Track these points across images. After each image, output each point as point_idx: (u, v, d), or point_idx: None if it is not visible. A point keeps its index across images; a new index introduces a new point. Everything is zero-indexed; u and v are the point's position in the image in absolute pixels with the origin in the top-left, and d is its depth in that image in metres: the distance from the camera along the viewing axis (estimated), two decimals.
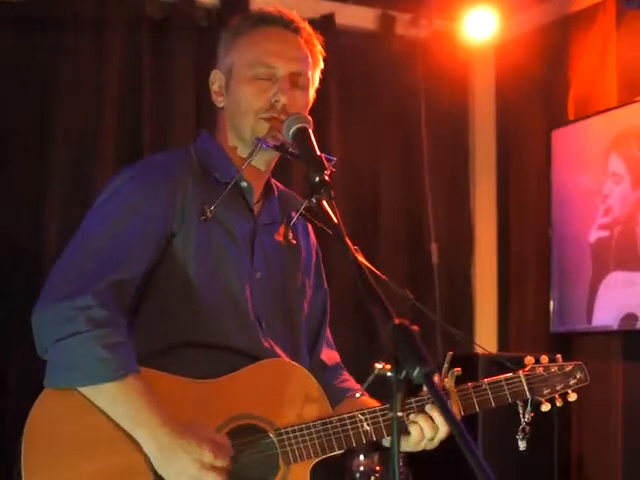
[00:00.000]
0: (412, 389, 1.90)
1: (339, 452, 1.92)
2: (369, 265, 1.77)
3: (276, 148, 1.91)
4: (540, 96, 4.15)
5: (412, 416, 1.93)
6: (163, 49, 3.76)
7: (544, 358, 2.09)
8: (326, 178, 1.67)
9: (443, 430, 1.93)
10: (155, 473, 1.79)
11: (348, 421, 1.92)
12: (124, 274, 1.86)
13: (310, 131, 1.82)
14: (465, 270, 4.32)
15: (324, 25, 3.79)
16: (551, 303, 3.95)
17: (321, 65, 2.06)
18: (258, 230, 2.03)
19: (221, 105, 2.04)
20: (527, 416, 2.03)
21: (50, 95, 3.58)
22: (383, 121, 4.15)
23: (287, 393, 1.92)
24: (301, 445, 1.88)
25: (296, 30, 2.02)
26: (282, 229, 2.08)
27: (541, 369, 2.06)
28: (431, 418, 1.93)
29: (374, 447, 2.00)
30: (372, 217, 4.11)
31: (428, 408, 1.93)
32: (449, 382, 1.99)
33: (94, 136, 3.61)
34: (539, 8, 4.15)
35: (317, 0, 3.99)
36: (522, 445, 2.02)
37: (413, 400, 1.95)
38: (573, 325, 3.88)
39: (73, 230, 1.94)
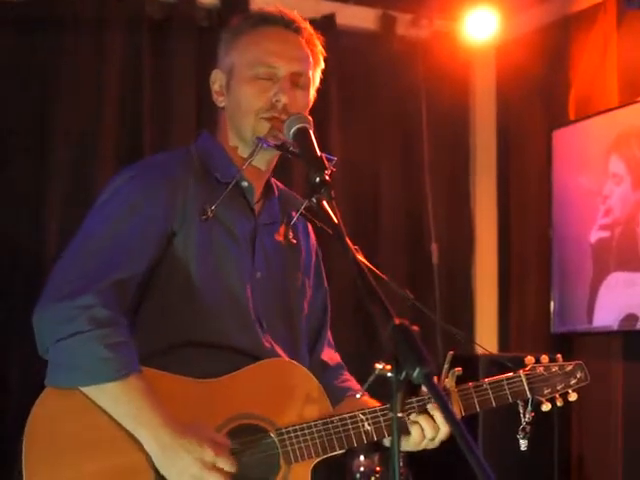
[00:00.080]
0: (413, 389, 1.90)
1: (340, 452, 1.92)
2: (369, 265, 1.77)
3: (277, 147, 1.91)
4: (541, 96, 4.15)
5: (413, 416, 1.93)
6: (163, 49, 3.76)
7: (544, 358, 2.09)
8: (326, 178, 1.67)
9: (444, 430, 1.93)
10: (157, 472, 1.79)
11: (349, 421, 1.92)
12: (125, 274, 1.86)
13: (310, 131, 1.82)
14: (465, 270, 4.32)
15: (325, 25, 3.79)
16: (552, 303, 3.95)
17: (322, 65, 2.06)
18: (259, 230, 2.03)
19: (222, 105, 2.04)
20: (528, 416, 2.03)
21: (50, 95, 3.58)
22: (384, 121, 4.15)
23: (288, 393, 1.92)
24: (302, 445, 1.88)
25: (297, 30, 2.02)
26: (282, 229, 2.08)
27: (541, 369, 2.06)
28: (432, 418, 1.93)
29: (374, 447, 2.00)
30: (372, 217, 4.11)
31: (430, 408, 1.93)
32: (450, 382, 1.99)
33: (94, 136, 3.61)
34: (540, 8, 4.15)
35: (318, 0, 3.99)
36: (523, 445, 2.02)
37: (414, 400, 1.95)
38: (574, 325, 3.88)
39: (73, 230, 1.94)
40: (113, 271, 1.84)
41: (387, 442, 1.96)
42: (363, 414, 1.93)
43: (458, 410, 1.98)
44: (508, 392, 2.03)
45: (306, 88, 2.01)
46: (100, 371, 1.78)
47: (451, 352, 1.98)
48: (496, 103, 4.39)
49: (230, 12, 3.55)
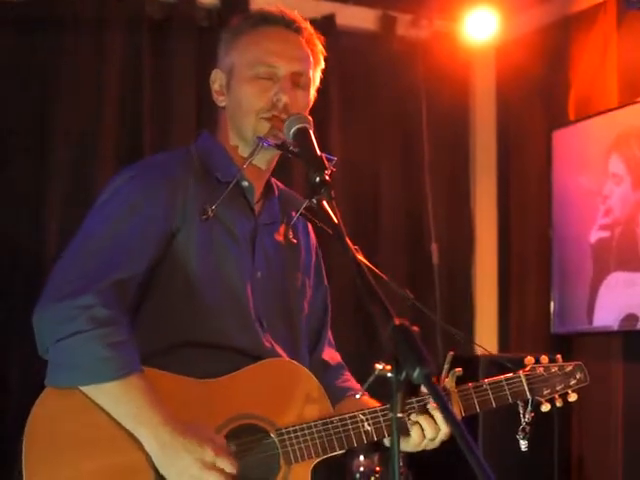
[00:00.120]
0: (413, 389, 1.90)
1: (340, 452, 1.92)
2: (369, 265, 1.77)
3: (277, 147, 1.92)
4: (541, 97, 4.15)
5: (413, 416, 1.93)
6: (163, 49, 3.75)
7: (544, 358, 2.09)
8: (326, 178, 1.67)
9: (444, 430, 1.93)
10: (156, 472, 1.79)
11: (349, 421, 1.92)
12: (125, 273, 1.86)
13: (311, 131, 1.82)
14: (465, 270, 4.32)
15: (325, 26, 3.79)
16: (552, 303, 3.95)
17: (322, 65, 2.07)
18: (259, 229, 2.03)
19: (222, 105, 2.05)
20: (527, 416, 2.03)
21: (50, 95, 3.58)
22: (384, 121, 4.15)
23: (288, 393, 1.92)
24: (302, 445, 1.88)
25: (297, 30, 2.02)
26: (282, 229, 2.08)
27: (541, 369, 2.07)
28: (433, 418, 1.93)
29: (374, 447, 2.00)
30: (372, 217, 4.11)
31: (430, 408, 1.93)
32: (450, 382, 1.99)
33: (94, 136, 3.61)
34: (540, 9, 4.15)
35: (318, 1, 3.98)
36: (523, 445, 2.02)
37: (414, 400, 1.95)
38: (574, 326, 3.88)
39: (73, 230, 1.94)
40: (113, 271, 1.84)
41: (387, 442, 1.96)
42: (363, 414, 1.93)
43: (458, 411, 1.98)
44: (508, 393, 2.03)
45: (306, 88, 2.01)
46: (100, 370, 1.78)
47: (451, 352, 1.98)
48: (496, 103, 4.39)
49: (230, 12, 3.54)
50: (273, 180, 2.12)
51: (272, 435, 1.88)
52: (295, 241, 2.09)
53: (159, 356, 1.88)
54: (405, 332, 1.33)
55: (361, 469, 3.30)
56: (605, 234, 3.76)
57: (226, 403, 1.88)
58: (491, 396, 2.02)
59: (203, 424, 1.83)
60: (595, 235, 3.80)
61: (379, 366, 1.34)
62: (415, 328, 1.36)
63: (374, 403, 1.98)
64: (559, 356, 2.11)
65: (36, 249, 3.46)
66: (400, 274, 4.04)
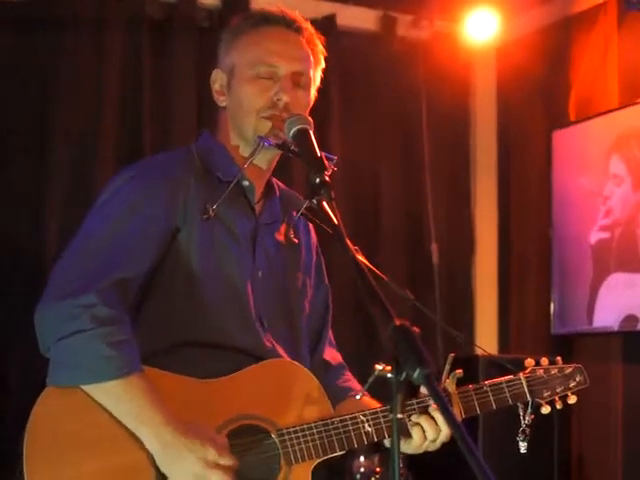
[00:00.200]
0: (413, 390, 1.90)
1: (340, 453, 1.91)
2: (369, 265, 1.77)
3: (278, 146, 1.92)
4: (541, 97, 4.15)
5: (414, 417, 1.93)
6: (163, 50, 3.75)
7: (544, 360, 2.09)
8: (326, 179, 1.67)
9: (445, 431, 1.93)
10: (158, 471, 1.79)
11: (349, 422, 1.92)
12: (126, 273, 1.86)
13: (311, 132, 1.82)
14: (465, 270, 4.32)
15: (325, 26, 3.79)
16: (552, 304, 3.95)
17: (322, 64, 2.07)
18: (259, 229, 2.03)
19: (223, 104, 2.05)
20: (527, 418, 2.03)
21: (50, 95, 3.58)
22: (384, 122, 4.15)
23: (289, 393, 1.92)
24: (303, 446, 1.88)
25: (298, 30, 2.02)
26: (283, 228, 2.09)
27: (541, 371, 2.07)
28: (433, 419, 1.93)
29: (375, 448, 2.00)
30: (372, 217, 4.11)
31: (431, 409, 1.93)
32: (450, 384, 1.98)
33: (94, 136, 3.61)
34: (540, 9, 4.15)
35: (318, 1, 3.98)
36: (522, 447, 2.02)
37: (414, 401, 1.95)
38: (574, 326, 3.88)
39: (73, 230, 1.94)
40: (114, 271, 1.84)
41: (388, 443, 1.96)
42: (364, 415, 1.93)
43: (458, 412, 1.98)
44: (508, 395, 2.03)
45: (307, 88, 2.01)
46: (102, 369, 1.78)
47: (452, 354, 1.98)
48: (496, 104, 4.39)
49: (231, 12, 3.54)
50: (274, 180, 2.12)
51: (273, 435, 1.88)
52: (296, 241, 2.10)
53: (160, 356, 1.88)
54: (405, 333, 1.33)
55: (361, 470, 3.30)
56: (605, 235, 3.75)
57: (227, 403, 1.88)
58: (491, 398, 2.02)
59: (204, 424, 1.83)
60: (595, 236, 3.80)
61: (379, 367, 1.34)
62: (415, 329, 1.36)
63: (375, 404, 1.98)
64: (559, 358, 2.11)
65: (36, 249, 3.45)
66: (400, 274, 4.04)
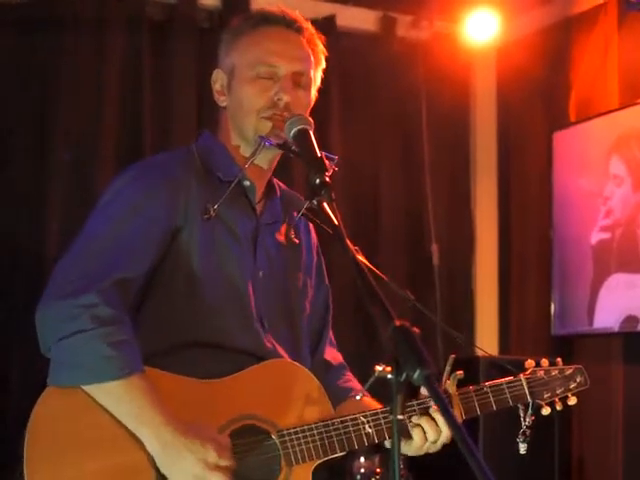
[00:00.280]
0: (414, 391, 1.90)
1: (341, 454, 1.91)
2: (370, 266, 1.77)
3: (279, 146, 1.92)
4: (541, 98, 4.15)
5: (415, 418, 1.93)
6: (164, 50, 3.75)
7: (544, 361, 2.09)
8: (327, 180, 1.67)
9: (446, 433, 1.92)
10: (158, 472, 1.78)
11: (350, 423, 1.92)
12: (127, 273, 1.86)
13: (311, 133, 1.82)
14: (466, 271, 4.32)
15: (325, 27, 3.78)
16: (552, 305, 3.95)
17: (323, 64, 2.07)
18: (260, 229, 2.03)
19: (223, 104, 2.04)
20: (528, 419, 2.03)
21: (50, 95, 3.58)
22: (384, 122, 4.15)
23: (289, 394, 1.92)
24: (303, 447, 1.88)
25: (298, 30, 2.02)
26: (284, 229, 2.09)
27: (542, 372, 2.06)
28: (434, 420, 1.92)
29: (375, 449, 2.00)
30: (373, 217, 4.11)
31: (431, 410, 1.93)
32: (451, 385, 1.98)
33: (94, 136, 3.61)
34: (540, 10, 4.15)
35: (318, 2, 3.98)
36: (523, 448, 2.02)
37: (415, 403, 1.94)
38: (574, 327, 3.88)
39: (73, 230, 1.94)
40: (115, 271, 1.84)
41: (388, 444, 1.96)
42: (364, 416, 1.92)
43: (459, 413, 1.98)
44: (509, 396, 2.03)
45: (307, 88, 2.01)
46: (103, 369, 1.78)
47: (453, 355, 1.98)
48: (496, 105, 4.38)
49: (231, 13, 3.54)
50: (275, 181, 2.12)
51: (273, 436, 1.87)
52: (297, 241, 2.10)
53: (160, 356, 1.88)
54: (405, 333, 1.33)
55: (362, 471, 3.30)
56: (606, 235, 3.75)
57: (227, 404, 1.87)
58: (492, 399, 2.02)
59: (205, 424, 1.82)
60: (596, 236, 3.79)
61: (379, 367, 1.34)
62: (415, 329, 1.36)
63: (376, 404, 1.98)
64: (559, 359, 2.11)
65: (36, 249, 3.45)
66: (400, 275, 4.03)
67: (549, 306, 3.96)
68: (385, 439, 1.94)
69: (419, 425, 1.93)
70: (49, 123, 3.56)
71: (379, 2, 4.11)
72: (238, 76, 2.00)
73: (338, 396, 2.06)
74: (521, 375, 2.05)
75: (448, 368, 1.98)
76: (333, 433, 1.90)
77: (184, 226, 1.92)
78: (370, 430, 1.92)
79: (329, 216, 1.62)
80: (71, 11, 3.60)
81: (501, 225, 4.35)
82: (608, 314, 3.72)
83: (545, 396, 2.05)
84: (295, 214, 2.07)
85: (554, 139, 3.98)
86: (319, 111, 2.07)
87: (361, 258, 1.64)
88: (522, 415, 2.03)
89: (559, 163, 3.96)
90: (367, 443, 1.92)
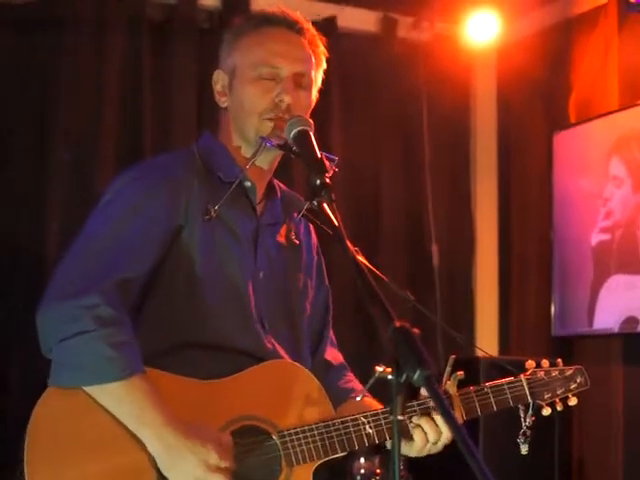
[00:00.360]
0: (414, 392, 1.90)
1: (341, 454, 1.91)
2: (370, 266, 1.77)
3: (280, 147, 1.92)
4: (542, 99, 4.15)
5: (415, 419, 1.93)
6: (164, 50, 3.75)
7: (545, 362, 2.09)
8: (327, 181, 1.68)
9: (446, 433, 1.92)
10: (159, 472, 1.78)
11: (351, 424, 1.92)
12: (128, 274, 1.86)
13: (311, 134, 1.82)
14: (466, 272, 4.32)
15: (326, 28, 3.78)
16: (552, 306, 3.95)
17: (324, 66, 2.07)
18: (261, 230, 2.03)
19: (224, 105, 2.05)
20: (528, 420, 2.03)
21: (50, 95, 3.57)
22: (384, 123, 4.15)
23: (290, 395, 1.92)
24: (304, 447, 1.88)
25: (300, 31, 2.02)
26: (284, 230, 2.09)
27: (542, 373, 2.07)
28: (434, 421, 1.92)
29: (375, 450, 2.00)
30: (373, 218, 4.11)
31: (432, 411, 1.92)
32: (452, 386, 1.98)
33: (94, 136, 3.60)
34: (541, 11, 4.15)
35: (319, 3, 3.98)
36: (523, 449, 2.02)
37: (415, 403, 1.94)
38: (574, 328, 3.88)
39: (73, 230, 1.94)
40: (115, 271, 1.84)
41: (389, 445, 1.96)
42: (365, 417, 1.92)
43: (460, 414, 1.97)
44: (509, 396, 2.03)
45: (309, 89, 2.01)
46: (104, 370, 1.78)
47: (453, 356, 1.98)
48: (497, 106, 4.39)
49: (231, 14, 3.54)
50: (275, 181, 2.12)
51: (274, 437, 1.88)
52: (297, 242, 2.10)
53: (161, 357, 1.88)
54: (405, 334, 1.33)
55: (362, 471, 3.30)
56: (606, 237, 3.75)
57: (228, 404, 1.87)
58: (492, 400, 2.02)
59: (206, 425, 1.82)
60: (596, 238, 3.79)
61: (379, 368, 1.34)
62: (415, 330, 1.36)
63: (377, 405, 1.98)
64: (560, 360, 2.11)
65: (36, 249, 3.45)
66: (400, 275, 4.03)
67: (549, 307, 3.96)
68: (386, 439, 1.94)
69: (419, 426, 1.93)
70: (49, 123, 3.56)
71: (380, 3, 4.11)
72: (240, 76, 2.00)
73: (339, 397, 2.05)
74: (522, 375, 2.05)
75: (448, 369, 1.98)
76: (334, 433, 1.90)
77: (185, 226, 1.92)
78: (371, 430, 1.92)
79: (329, 217, 1.62)
80: (71, 11, 3.59)
81: (501, 226, 4.35)
82: (608, 315, 3.72)
83: (545, 396, 2.05)
84: (295, 215, 2.08)
85: (554, 140, 3.98)
86: (320, 112, 2.07)
87: (361, 259, 1.64)
88: (522, 416, 2.03)
89: (559, 164, 3.96)
90: (367, 443, 1.92)
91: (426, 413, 1.93)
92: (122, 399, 1.78)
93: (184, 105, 3.73)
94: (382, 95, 4.13)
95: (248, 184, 2.01)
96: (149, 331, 1.90)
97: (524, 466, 3.16)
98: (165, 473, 1.78)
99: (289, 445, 1.87)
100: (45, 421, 1.78)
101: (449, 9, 4.11)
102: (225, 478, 1.78)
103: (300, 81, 1.98)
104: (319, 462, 1.90)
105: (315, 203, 1.65)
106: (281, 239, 2.08)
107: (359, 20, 4.13)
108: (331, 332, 2.20)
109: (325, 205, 1.64)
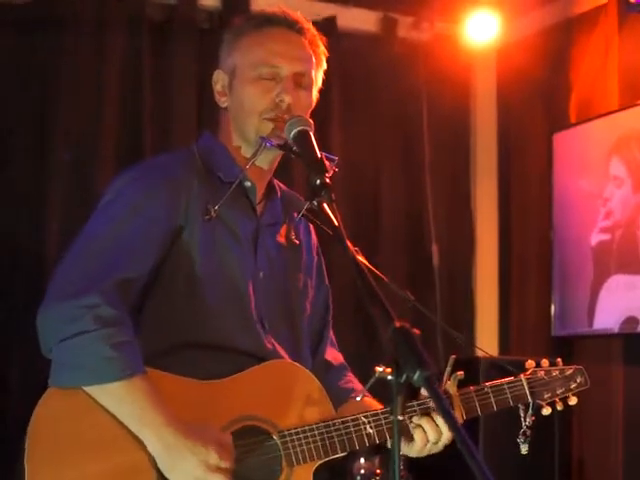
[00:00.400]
0: (414, 392, 1.90)
1: (342, 454, 1.91)
2: (370, 266, 1.77)
3: (280, 147, 1.92)
4: (542, 99, 4.15)
5: (415, 419, 1.93)
6: (164, 50, 3.75)
7: (545, 362, 2.09)
8: (327, 181, 1.68)
9: (447, 433, 1.92)
10: (159, 472, 1.78)
11: (351, 424, 1.92)
12: (128, 274, 1.86)
13: (311, 134, 1.82)
14: (466, 272, 4.32)
15: (326, 28, 3.78)
16: (552, 306, 3.95)
17: (324, 65, 2.07)
18: (261, 230, 2.03)
19: (224, 105, 2.04)
20: (528, 420, 2.03)
21: (50, 95, 3.57)
22: (384, 123, 4.15)
23: (290, 395, 1.92)
24: (304, 447, 1.88)
25: (300, 31, 2.02)
26: (284, 230, 2.09)
27: (542, 373, 2.07)
28: (434, 421, 1.92)
29: (376, 450, 2.00)
30: (373, 218, 4.11)
31: (432, 411, 1.92)
32: (452, 386, 1.98)
33: (94, 136, 3.60)
34: (541, 11, 4.15)
35: (319, 3, 3.98)
36: (523, 449, 2.02)
37: (415, 403, 1.94)
38: (574, 328, 3.88)
39: (73, 230, 1.94)
40: (116, 271, 1.84)
41: (389, 445, 1.95)
42: (365, 417, 1.92)
43: (460, 414, 1.97)
44: (509, 396, 2.03)
45: (309, 88, 2.01)
46: (105, 370, 1.78)
47: (453, 356, 1.98)
48: (497, 105, 4.39)
49: (231, 14, 3.54)
50: (276, 182, 2.12)
51: (274, 437, 1.88)
52: (297, 242, 2.10)
53: (161, 357, 1.88)
54: (405, 334, 1.33)
55: (362, 471, 3.30)
56: (606, 237, 3.75)
57: (228, 405, 1.87)
58: (492, 399, 2.02)
59: (206, 425, 1.82)
60: (596, 238, 3.79)
61: (379, 369, 1.34)
62: (415, 330, 1.36)
63: (377, 405, 1.98)
64: (560, 360, 2.11)
65: (36, 249, 3.45)
66: (400, 275, 4.03)
67: (549, 307, 3.96)
68: (386, 439, 1.94)
69: (420, 426, 1.93)
70: (49, 123, 3.56)
71: (380, 3, 4.11)
72: (240, 76, 2.00)
73: (339, 397, 2.05)
74: (522, 375, 2.05)
75: (449, 369, 1.98)
76: (334, 433, 1.90)
77: (185, 226, 1.92)
78: (371, 430, 1.92)
79: (329, 217, 1.62)
80: (71, 11, 3.60)
81: (501, 226, 4.35)
82: (608, 315, 3.72)
83: (545, 396, 2.05)
84: (295, 215, 2.07)
85: (554, 140, 3.98)
86: (320, 112, 2.07)
87: (361, 259, 1.64)
88: (522, 415, 2.03)
89: (559, 164, 3.96)
90: (368, 443, 1.92)
91: (426, 413, 1.93)
92: (122, 399, 1.78)
93: (184, 105, 3.73)
94: (382, 95, 4.13)
95: (248, 184, 2.01)
96: (149, 331, 1.90)
97: (524, 466, 3.16)
98: (165, 473, 1.78)
99: (289, 445, 1.87)
100: (45, 421, 1.78)
101: (449, 9, 4.11)
102: (225, 478, 1.78)
103: (300, 81, 1.98)
104: (319, 462, 1.90)
105: (315, 203, 1.65)
106: (281, 239, 2.08)
107: (359, 20, 4.13)
108: (331, 332, 2.20)
109: (325, 205, 1.64)
